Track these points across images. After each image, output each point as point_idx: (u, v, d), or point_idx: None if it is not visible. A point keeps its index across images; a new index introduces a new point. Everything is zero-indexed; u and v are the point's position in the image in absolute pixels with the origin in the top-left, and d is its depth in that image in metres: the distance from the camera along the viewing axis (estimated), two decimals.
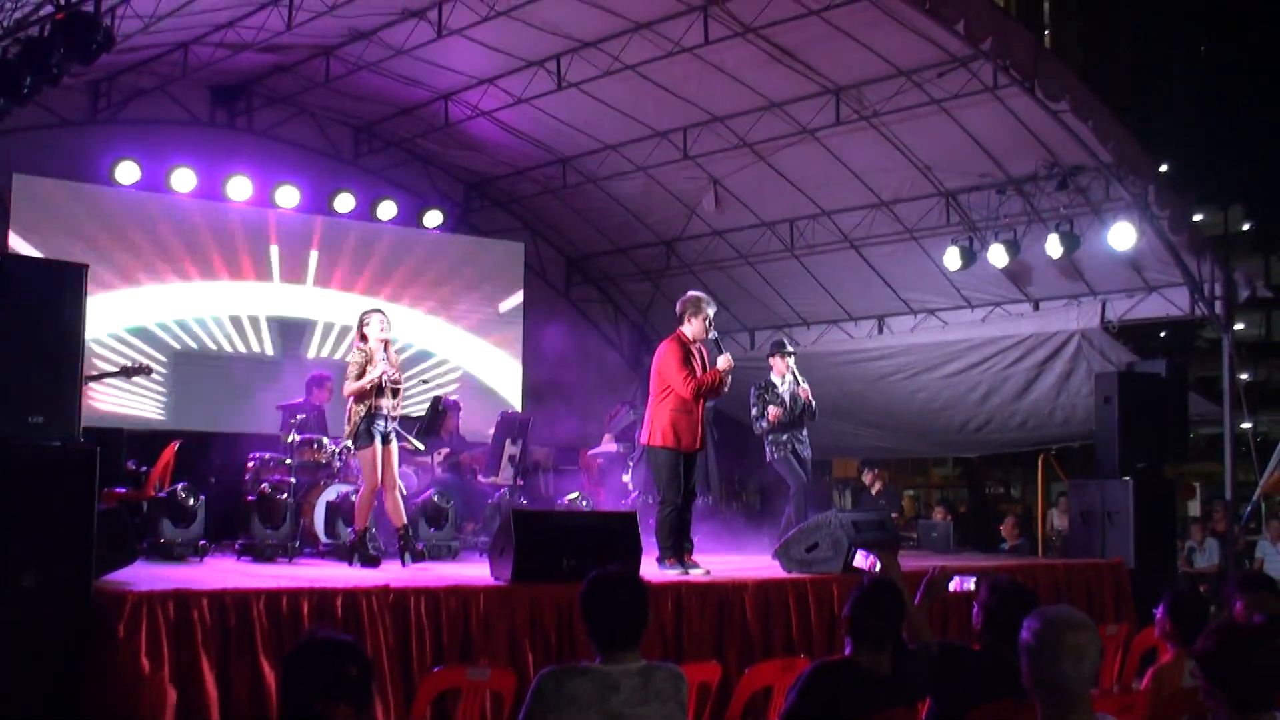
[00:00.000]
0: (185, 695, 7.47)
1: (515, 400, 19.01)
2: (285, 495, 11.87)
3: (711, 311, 10.84)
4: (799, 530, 11.16)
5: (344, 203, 18.00)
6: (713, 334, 10.83)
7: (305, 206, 17.63)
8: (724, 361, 10.71)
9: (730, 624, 9.74)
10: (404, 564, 10.80)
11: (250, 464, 12.89)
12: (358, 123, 18.90)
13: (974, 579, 7.16)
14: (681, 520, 10.82)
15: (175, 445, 12.88)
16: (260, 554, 11.33)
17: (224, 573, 9.79)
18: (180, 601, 7.60)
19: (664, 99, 16.29)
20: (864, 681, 5.82)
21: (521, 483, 14.56)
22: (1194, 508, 33.44)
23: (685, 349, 10.77)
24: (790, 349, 13.58)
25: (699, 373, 10.69)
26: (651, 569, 10.36)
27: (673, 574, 10.24)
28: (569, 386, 19.11)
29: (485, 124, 17.82)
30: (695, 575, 10.24)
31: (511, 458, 14.32)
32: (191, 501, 11.43)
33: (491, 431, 14.70)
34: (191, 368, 16.87)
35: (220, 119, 17.87)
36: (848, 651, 5.98)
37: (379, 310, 11.28)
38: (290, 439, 12.54)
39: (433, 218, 18.95)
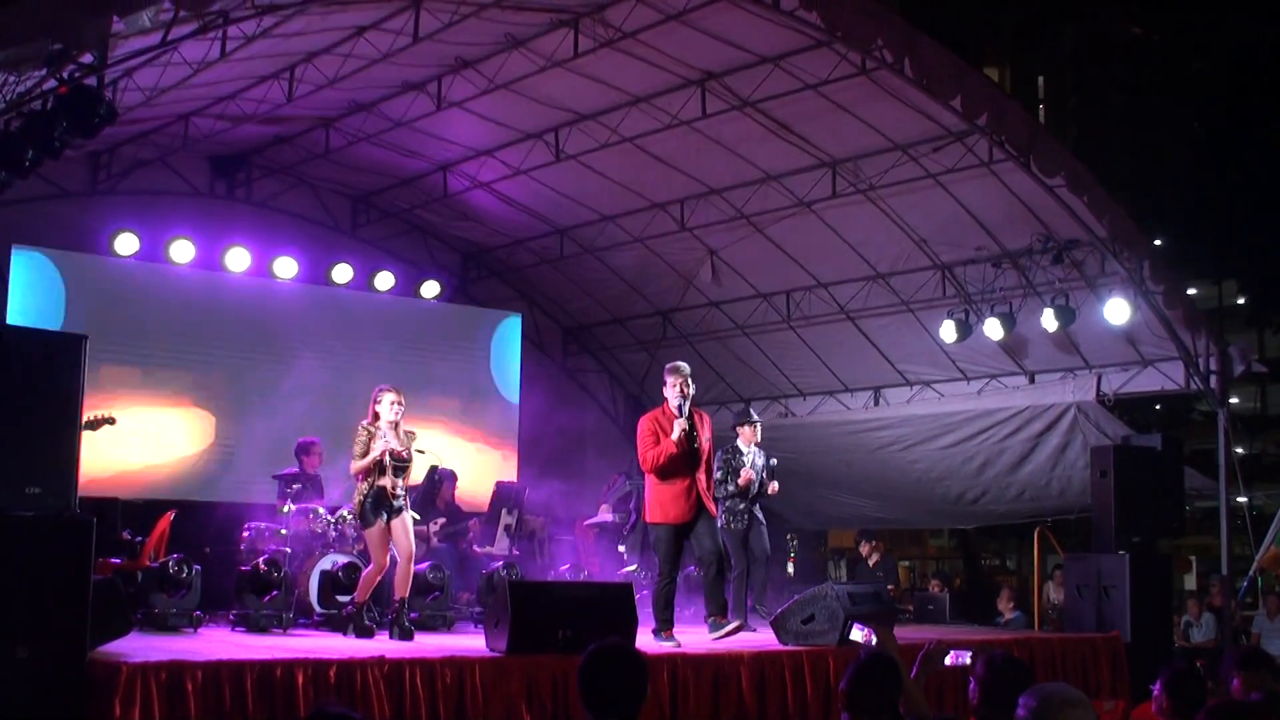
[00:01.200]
0: None
1: (511, 470, 18.96)
2: (280, 566, 11.83)
3: (676, 379, 10.84)
4: (795, 602, 11.12)
5: (342, 273, 18.01)
6: (676, 402, 10.78)
7: (303, 277, 17.62)
8: (675, 431, 10.68)
9: (726, 697, 9.69)
10: (391, 637, 10.62)
11: (245, 534, 12.87)
12: (356, 193, 18.99)
13: (970, 653, 7.14)
14: (715, 584, 10.91)
15: (170, 515, 12.86)
16: (255, 625, 11.30)
17: (218, 644, 9.77)
18: (174, 673, 7.59)
19: (661, 171, 16.40)
20: None
21: (517, 553, 14.53)
22: (1190, 581, 33.37)
23: (657, 423, 10.81)
24: (755, 418, 13.70)
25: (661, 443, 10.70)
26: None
27: (668, 646, 10.20)
28: (565, 456, 19.10)
29: (483, 195, 17.92)
30: (690, 646, 10.20)
31: (507, 527, 14.34)
32: (186, 572, 11.41)
33: (487, 502, 14.72)
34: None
35: (219, 190, 17.96)
36: None
37: (393, 390, 11.07)
38: (286, 509, 12.52)
39: (430, 288, 18.97)
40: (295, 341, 17.45)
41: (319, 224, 18.83)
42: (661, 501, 10.71)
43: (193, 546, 12.75)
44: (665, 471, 10.67)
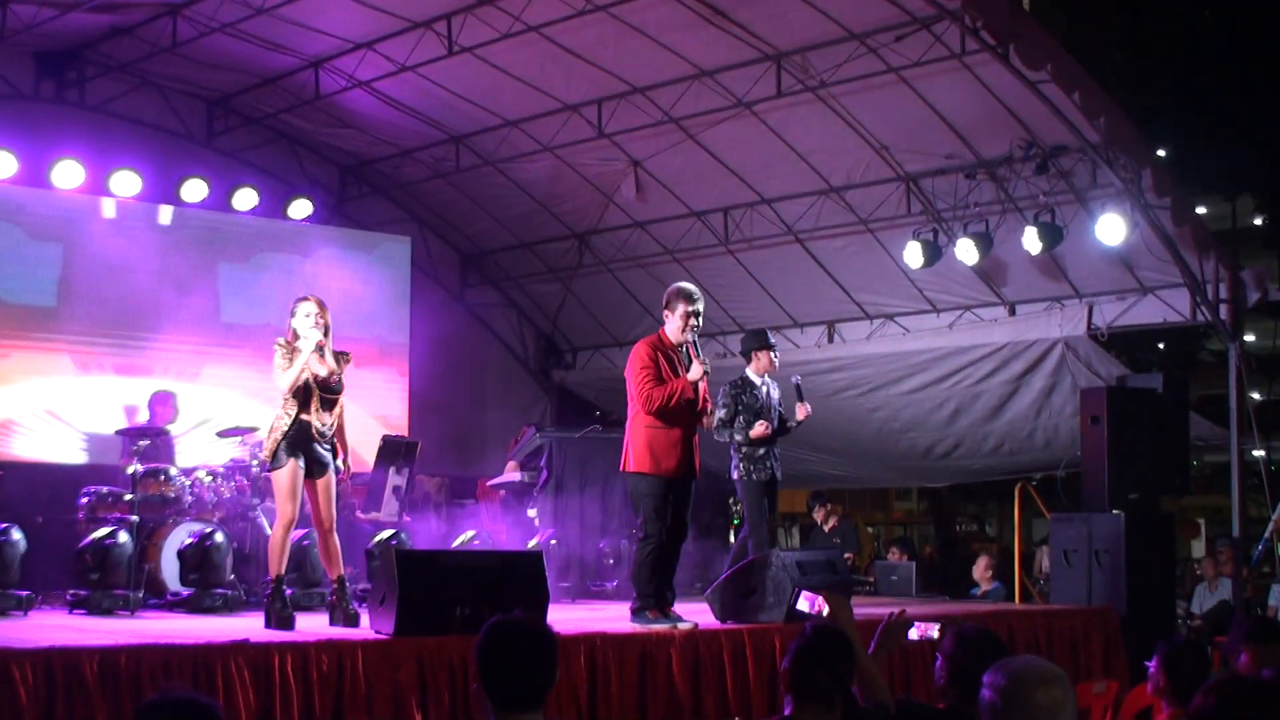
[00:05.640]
0: None
1: (400, 423, 18.92)
2: (126, 537, 11.76)
3: (692, 307, 10.61)
4: (734, 572, 11.18)
5: (194, 190, 17.72)
6: (690, 335, 10.59)
7: (148, 194, 17.39)
8: (694, 371, 10.44)
9: (654, 683, 9.75)
10: (332, 623, 10.28)
11: (84, 500, 12.79)
12: (212, 96, 18.80)
13: (938, 626, 7.22)
14: (666, 562, 10.57)
15: None
16: (96, 607, 11.23)
17: (52, 629, 9.72)
18: None
19: (574, 67, 16.32)
20: None
21: (408, 519, 14.52)
22: (1198, 548, 33.79)
23: (656, 353, 10.53)
24: (771, 341, 13.14)
25: (669, 381, 10.43)
26: (622, 619, 10.43)
27: (660, 627, 10.14)
28: (465, 406, 19.08)
29: (363, 96, 17.79)
30: (683, 629, 10.16)
31: (396, 489, 14.30)
32: (13, 545, 11.32)
33: (372, 460, 14.67)
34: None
35: (46, 92, 17.72)
36: (788, 711, 6.00)
37: (311, 299, 10.44)
38: (132, 470, 12.43)
39: (300, 207, 18.80)
40: (139, 270, 17.31)
41: (167, 132, 18.64)
42: (654, 449, 10.41)
43: (21, 515, 12.64)
44: (668, 416, 10.46)
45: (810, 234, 17.85)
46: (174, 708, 4.04)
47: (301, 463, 10.22)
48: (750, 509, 12.82)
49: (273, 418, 10.38)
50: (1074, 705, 4.48)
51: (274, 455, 10.23)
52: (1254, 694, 4.71)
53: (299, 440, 10.21)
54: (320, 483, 10.33)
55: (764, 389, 12.86)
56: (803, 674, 5.92)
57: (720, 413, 12.59)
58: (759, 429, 12.57)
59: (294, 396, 10.25)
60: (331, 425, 10.41)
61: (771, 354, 12.91)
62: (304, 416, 10.22)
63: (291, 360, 10.21)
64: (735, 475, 12.83)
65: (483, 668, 5.26)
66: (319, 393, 10.29)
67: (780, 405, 12.94)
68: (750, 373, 12.91)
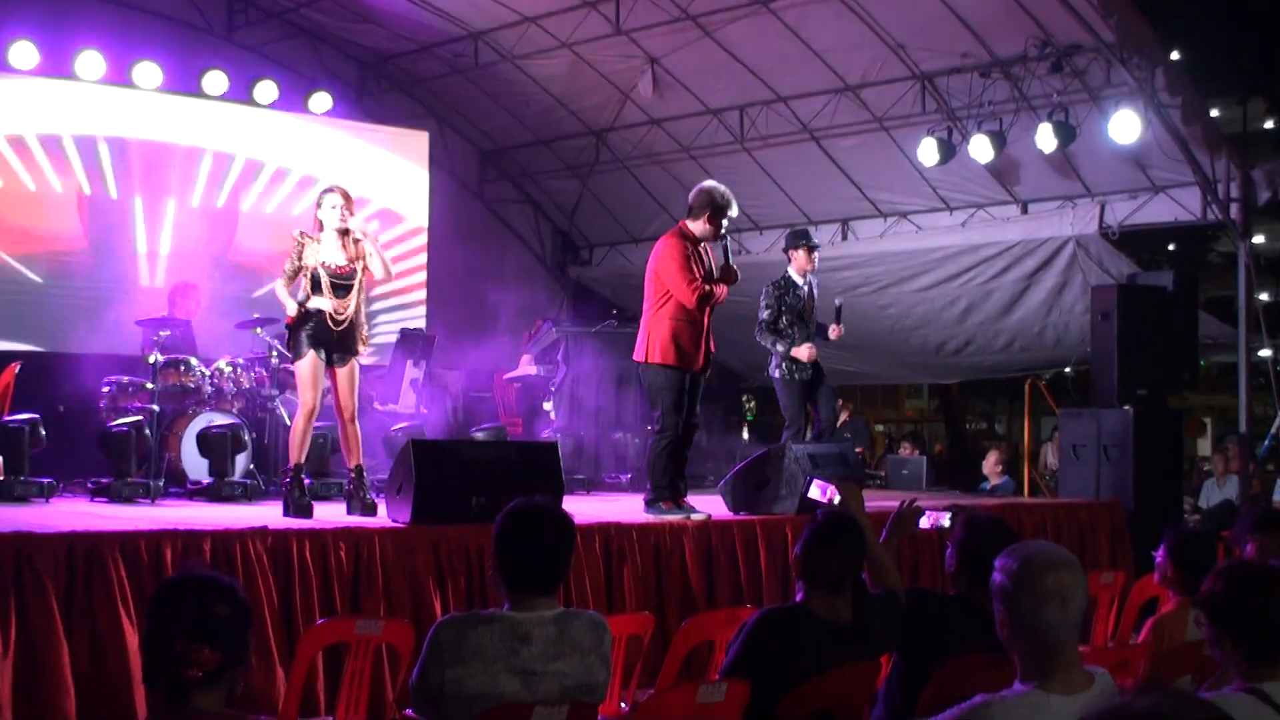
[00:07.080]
0: (31, 653, 7.40)
1: (418, 317, 18.90)
2: (146, 426, 11.75)
3: (733, 213, 10.57)
4: (747, 464, 11.15)
5: (215, 82, 17.69)
6: (725, 241, 10.56)
7: (169, 86, 17.31)
8: (724, 272, 10.48)
9: (668, 572, 9.76)
10: (350, 512, 10.24)
11: (105, 389, 12.79)
12: None
13: (949, 515, 7.21)
14: (680, 454, 10.62)
15: (15, 367, 12.73)
16: (117, 494, 11.22)
17: (74, 515, 9.71)
18: (21, 546, 7.52)
19: None
20: (819, 630, 5.81)
21: (425, 411, 14.51)
22: (1204, 447, 33.84)
23: (688, 247, 10.45)
24: (814, 240, 13.04)
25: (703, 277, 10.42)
26: (636, 510, 10.49)
27: (674, 518, 10.16)
28: (482, 300, 18.98)
29: None
30: (696, 519, 10.19)
31: (413, 382, 14.27)
32: (35, 434, 11.32)
33: (390, 351, 14.64)
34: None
35: None
36: (799, 597, 5.98)
37: (336, 190, 10.33)
38: (152, 359, 12.39)
39: (320, 101, 18.74)
40: (159, 161, 17.25)
41: (187, 25, 18.49)
42: (679, 340, 10.38)
43: (43, 404, 12.66)
44: (702, 305, 10.40)
45: (825, 132, 17.73)
46: (193, 585, 4.02)
47: (322, 354, 10.14)
48: (790, 408, 12.73)
49: (289, 308, 10.22)
50: (1084, 590, 4.43)
51: (292, 346, 10.21)
52: (1264, 579, 4.66)
53: (317, 330, 10.10)
54: (342, 371, 10.25)
55: (805, 288, 12.76)
56: (814, 559, 5.90)
57: (764, 314, 12.57)
58: (805, 353, 12.47)
59: (309, 287, 10.14)
60: (345, 310, 10.21)
61: (809, 251, 12.77)
62: (315, 305, 10.12)
63: (298, 264, 10.13)
64: (776, 375, 12.72)
65: (500, 550, 5.23)
66: (329, 280, 10.16)
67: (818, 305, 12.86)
68: (792, 272, 12.76)
